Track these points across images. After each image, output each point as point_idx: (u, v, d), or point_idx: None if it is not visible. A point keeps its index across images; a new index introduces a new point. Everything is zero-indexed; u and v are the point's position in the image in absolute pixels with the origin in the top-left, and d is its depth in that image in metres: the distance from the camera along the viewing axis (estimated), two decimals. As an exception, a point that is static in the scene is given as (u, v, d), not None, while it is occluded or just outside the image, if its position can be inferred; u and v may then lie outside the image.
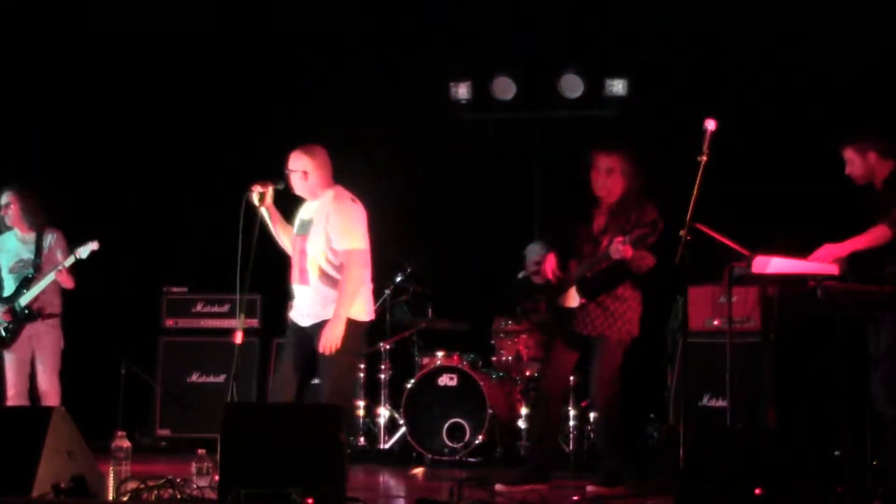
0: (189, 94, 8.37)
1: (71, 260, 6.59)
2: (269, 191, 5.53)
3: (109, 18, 8.05)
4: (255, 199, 5.51)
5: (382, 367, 7.58)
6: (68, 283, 6.67)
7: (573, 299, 5.80)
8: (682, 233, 4.99)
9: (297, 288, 5.55)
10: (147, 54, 8.31)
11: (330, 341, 5.29)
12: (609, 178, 5.77)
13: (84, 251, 6.58)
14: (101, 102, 8.29)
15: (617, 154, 5.81)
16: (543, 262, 5.92)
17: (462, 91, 8.43)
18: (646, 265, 5.65)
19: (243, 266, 5.35)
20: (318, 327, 5.37)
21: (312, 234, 5.48)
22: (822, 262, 5.25)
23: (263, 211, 5.54)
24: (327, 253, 5.43)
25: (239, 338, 5.41)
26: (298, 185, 5.56)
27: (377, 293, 7.67)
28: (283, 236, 5.67)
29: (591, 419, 7.37)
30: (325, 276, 5.44)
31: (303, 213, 5.64)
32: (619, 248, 5.39)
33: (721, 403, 6.74)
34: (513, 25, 8.14)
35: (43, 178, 7.48)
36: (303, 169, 5.52)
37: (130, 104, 8.34)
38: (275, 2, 8.35)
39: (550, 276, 5.86)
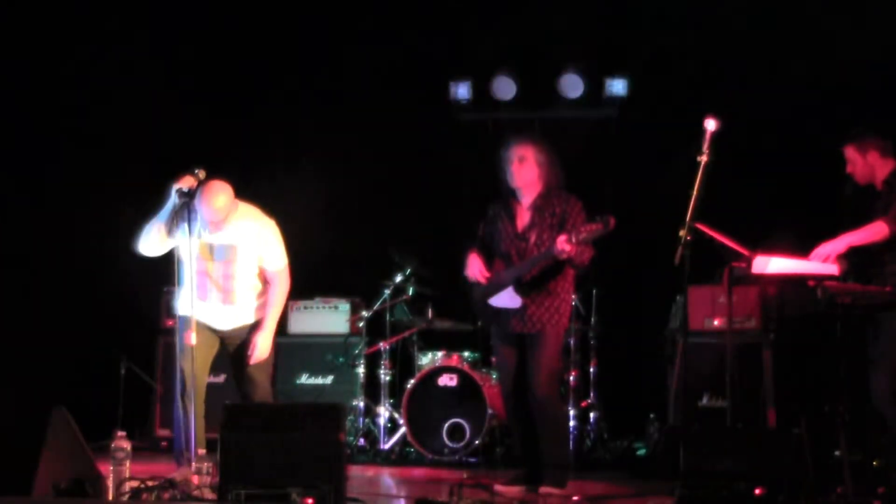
0: (192, 96, 8.36)
1: None
2: (195, 184, 5.46)
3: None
4: (184, 192, 5.43)
5: (382, 367, 7.58)
6: None
7: (506, 299, 5.72)
8: (682, 233, 4.99)
9: (213, 306, 5.66)
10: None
11: (264, 351, 5.71)
12: (522, 166, 5.74)
13: None
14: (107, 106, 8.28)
15: (530, 143, 5.80)
16: (467, 264, 5.83)
17: (462, 91, 8.43)
18: (587, 259, 5.59)
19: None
20: (243, 329, 5.72)
21: (241, 259, 5.64)
22: (821, 261, 5.25)
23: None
24: (255, 273, 5.72)
25: (193, 338, 5.44)
26: (219, 221, 5.54)
27: (377, 293, 7.72)
28: (179, 237, 5.59)
29: (591, 419, 7.40)
30: (250, 293, 5.73)
31: (211, 238, 5.61)
32: (566, 247, 5.33)
33: (721, 403, 6.74)
34: (513, 25, 8.13)
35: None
36: (230, 206, 5.56)
37: (132, 105, 8.33)
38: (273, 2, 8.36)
39: (480, 278, 5.77)
